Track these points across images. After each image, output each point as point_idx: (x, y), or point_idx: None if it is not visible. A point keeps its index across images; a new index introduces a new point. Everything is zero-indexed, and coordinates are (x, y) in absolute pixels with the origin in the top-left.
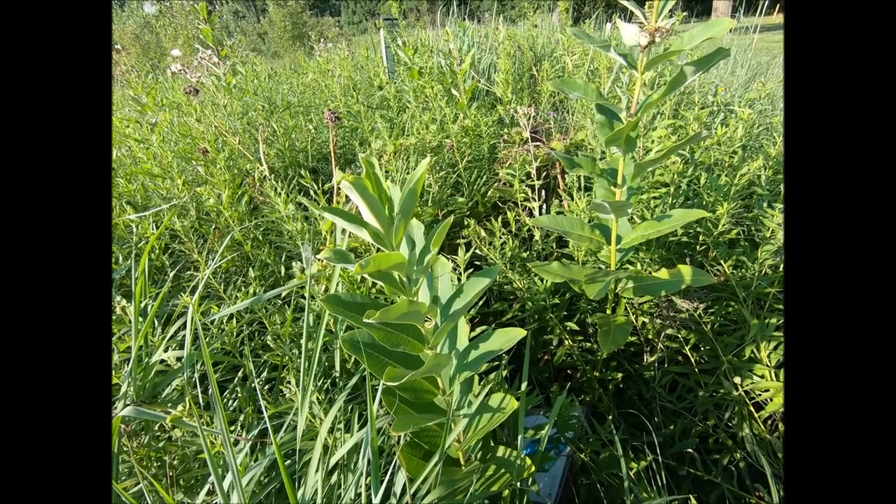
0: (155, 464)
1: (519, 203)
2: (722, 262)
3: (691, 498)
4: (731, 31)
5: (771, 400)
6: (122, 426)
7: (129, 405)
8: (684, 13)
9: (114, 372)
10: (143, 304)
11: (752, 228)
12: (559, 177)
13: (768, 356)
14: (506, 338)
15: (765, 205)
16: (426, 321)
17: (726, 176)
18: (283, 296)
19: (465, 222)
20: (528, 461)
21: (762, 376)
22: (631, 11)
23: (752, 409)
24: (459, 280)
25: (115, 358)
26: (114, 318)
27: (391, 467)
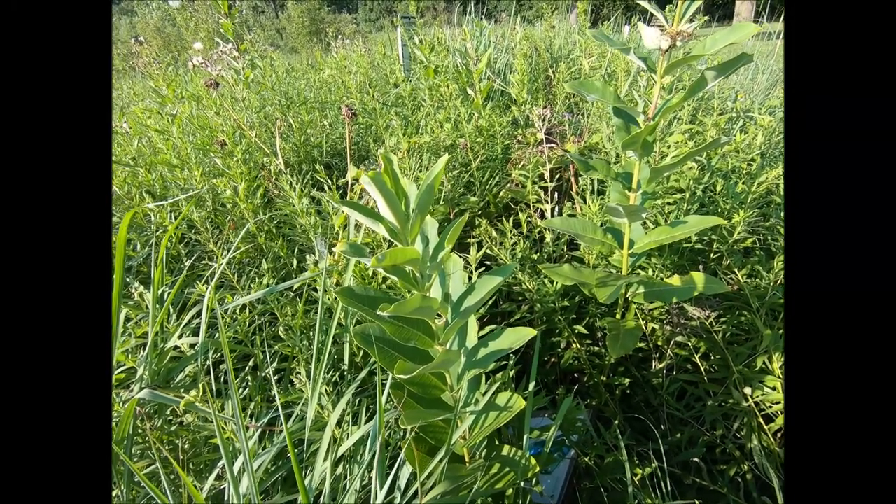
0: (167, 447)
1: (531, 204)
2: (736, 270)
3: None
4: (753, 36)
5: (781, 412)
6: (138, 408)
7: (144, 388)
8: (706, 17)
9: (130, 356)
10: (160, 292)
11: (769, 237)
12: (572, 179)
13: (780, 368)
14: (515, 337)
15: (782, 214)
16: (437, 317)
17: (744, 183)
18: (294, 288)
19: (477, 222)
20: (533, 461)
21: (773, 388)
22: (651, 14)
23: (761, 420)
24: (470, 278)
25: (132, 342)
26: (131, 303)
27: (396, 461)
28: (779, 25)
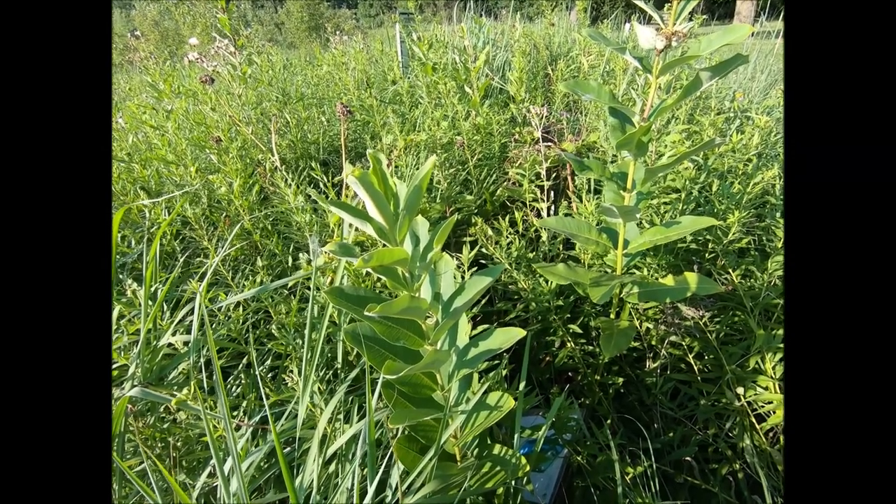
0: (159, 444)
1: (527, 203)
2: (730, 270)
3: None
4: (753, 35)
5: (774, 412)
6: (129, 406)
7: (136, 386)
8: (704, 17)
9: (122, 353)
10: (153, 288)
11: (764, 238)
12: (569, 178)
13: (773, 368)
14: (505, 337)
15: (777, 214)
16: (427, 317)
17: (739, 184)
18: (289, 286)
19: (473, 220)
20: (524, 460)
21: (766, 388)
22: (649, 13)
23: (753, 420)
24: (463, 278)
25: (125, 340)
26: (124, 300)
27: (388, 460)
28: (778, 24)
